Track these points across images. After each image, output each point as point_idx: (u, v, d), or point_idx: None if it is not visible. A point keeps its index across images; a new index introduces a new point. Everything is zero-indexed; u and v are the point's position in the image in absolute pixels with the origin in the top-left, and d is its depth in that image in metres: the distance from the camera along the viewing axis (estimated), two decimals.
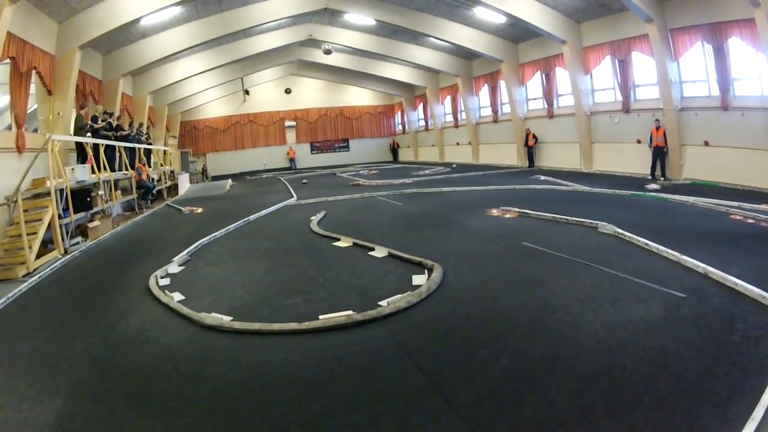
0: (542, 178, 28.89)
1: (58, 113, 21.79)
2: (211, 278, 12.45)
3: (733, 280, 9.14)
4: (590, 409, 5.78)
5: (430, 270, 11.30)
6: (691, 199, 18.30)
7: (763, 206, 16.17)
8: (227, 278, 12.35)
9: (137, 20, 25.01)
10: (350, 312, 9.07)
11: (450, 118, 50.88)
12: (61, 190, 16.86)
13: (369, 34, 42.02)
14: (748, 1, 19.75)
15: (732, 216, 15.58)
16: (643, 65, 28.08)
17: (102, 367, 7.73)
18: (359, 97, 64.07)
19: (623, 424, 5.46)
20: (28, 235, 14.46)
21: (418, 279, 10.86)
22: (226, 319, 9.15)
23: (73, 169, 18.91)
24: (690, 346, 7.04)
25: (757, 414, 5.27)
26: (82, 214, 18.63)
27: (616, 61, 29.08)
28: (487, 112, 44.26)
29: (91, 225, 19.15)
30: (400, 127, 65.12)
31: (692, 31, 23.93)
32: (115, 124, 25.51)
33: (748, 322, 7.68)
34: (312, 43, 43.96)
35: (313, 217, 19.31)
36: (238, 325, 8.88)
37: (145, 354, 8.15)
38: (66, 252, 16.26)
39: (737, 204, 16.55)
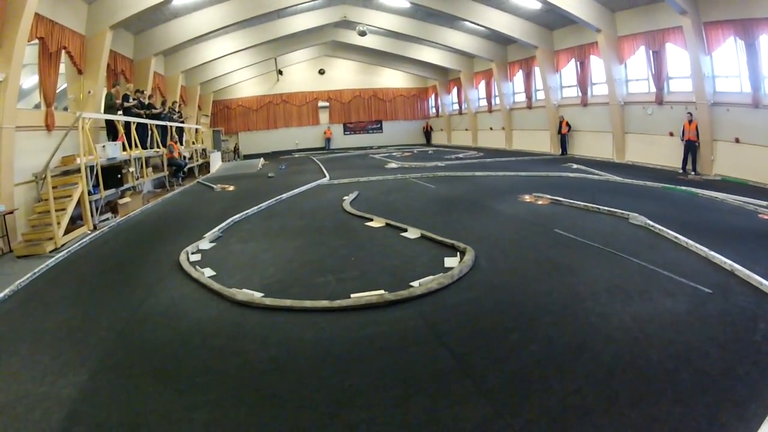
0: (575, 166, 28.78)
1: (89, 92, 21.91)
2: (242, 255, 12.57)
3: (758, 280, 9.09)
4: (615, 399, 5.80)
5: (463, 253, 11.35)
6: (720, 195, 18.12)
7: None
8: (259, 255, 12.47)
9: (168, 0, 25.06)
10: (382, 291, 9.14)
11: (484, 102, 50.39)
12: (92, 167, 16.99)
13: (404, 17, 41.70)
14: None
15: (760, 215, 15.42)
16: (677, 57, 27.75)
17: (129, 342, 7.82)
18: (393, 79, 63.73)
19: (647, 416, 5.48)
20: (56, 211, 14.59)
21: (451, 261, 10.94)
22: (257, 296, 9.24)
23: (104, 146, 19.06)
24: (714, 343, 7.04)
25: None
26: (112, 191, 18.79)
27: (650, 52, 28.75)
28: (521, 98, 43.79)
29: (121, 201, 19.31)
30: (434, 110, 64.53)
31: (725, 25, 23.62)
32: (146, 102, 25.62)
33: None
34: (346, 24, 43.77)
35: (345, 197, 19.38)
36: (269, 301, 8.97)
37: (173, 329, 8.25)
38: (95, 228, 16.41)
39: (766, 203, 16.37)
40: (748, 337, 7.23)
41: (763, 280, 8.98)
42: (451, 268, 10.33)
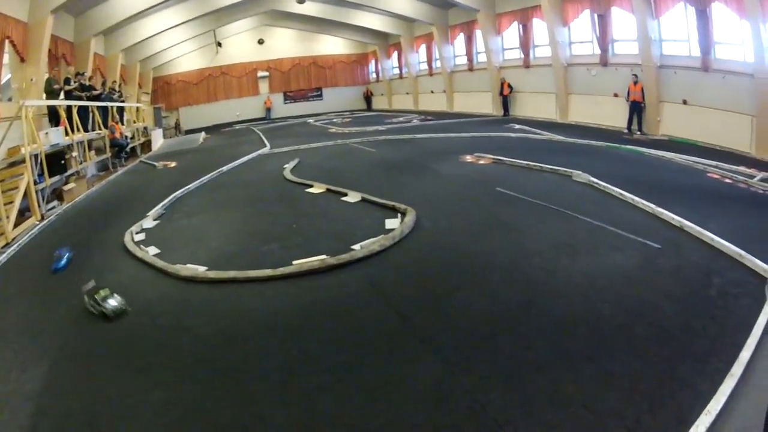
0: (517, 126, 29.01)
1: (31, 79, 21.52)
2: (187, 230, 12.57)
3: (709, 236, 9.24)
4: (568, 354, 5.92)
5: (404, 214, 11.48)
6: (668, 154, 18.33)
7: (742, 168, 16.20)
8: (202, 229, 12.51)
9: None
10: (324, 256, 9.20)
11: (424, 66, 50.62)
12: (36, 156, 16.64)
13: None
14: None
15: (709, 174, 15.63)
16: (624, 20, 27.80)
17: (84, 329, 7.74)
18: (333, 45, 63.50)
19: (602, 370, 5.58)
20: (5, 205, 14.24)
21: (392, 223, 11.07)
22: (200, 270, 9.24)
23: (47, 133, 18.64)
24: (668, 297, 7.15)
25: (736, 371, 5.34)
26: (57, 178, 18.34)
27: (596, 15, 28.86)
28: (462, 60, 44.05)
29: (66, 188, 18.90)
30: (374, 75, 64.67)
31: None
32: (87, 84, 25.24)
33: (725, 278, 7.77)
34: None
35: (286, 165, 19.37)
36: (212, 274, 8.98)
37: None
38: (43, 218, 15.94)
39: (715, 163, 16.54)
40: (702, 291, 7.38)
41: (716, 237, 9.12)
42: (392, 230, 10.43)
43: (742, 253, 8.40)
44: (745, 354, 5.63)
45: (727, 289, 7.41)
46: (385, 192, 13.73)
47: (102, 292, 8.16)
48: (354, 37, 59.31)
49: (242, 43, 59.84)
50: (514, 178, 14.91)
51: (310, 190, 15.21)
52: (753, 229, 10.31)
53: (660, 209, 10.82)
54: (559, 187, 13.63)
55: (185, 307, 8.02)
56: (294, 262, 9.06)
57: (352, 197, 13.57)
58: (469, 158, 18.31)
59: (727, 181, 14.76)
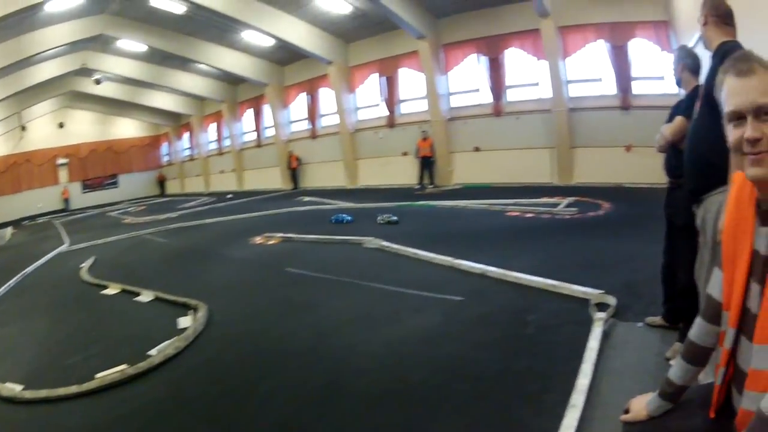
0: (306, 199, 29.50)
1: None
2: None
3: (514, 275, 9.48)
4: (384, 428, 5.81)
5: (195, 310, 11.19)
6: (461, 202, 19.11)
7: (545, 198, 16.88)
8: (15, 340, 11.76)
9: None
10: (124, 366, 8.81)
11: (215, 145, 51.28)
12: None
13: (140, 61, 40.83)
14: (532, 13, 21.19)
15: (509, 213, 16.31)
16: (411, 80, 29.13)
17: None
18: (128, 128, 61.93)
19: None
20: None
21: (185, 321, 10.80)
22: (17, 389, 8.64)
23: None
24: (479, 347, 7.22)
25: (577, 400, 5.30)
26: None
27: (383, 78, 30.06)
28: (251, 137, 44.96)
29: None
30: (167, 158, 64.15)
31: (466, 45, 25.30)
32: None
33: (541, 312, 7.99)
34: (85, 72, 41.70)
35: (83, 264, 18.53)
36: (28, 394, 8.40)
37: None
38: None
39: (513, 201, 17.33)
40: (518, 332, 7.49)
41: (521, 275, 9.39)
42: (185, 329, 10.20)
43: (555, 282, 8.70)
44: (583, 381, 5.65)
45: (544, 322, 7.61)
46: (177, 284, 13.54)
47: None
48: (148, 119, 58.70)
49: (45, 127, 56.70)
50: (305, 254, 15.04)
51: (105, 291, 14.59)
52: (564, 256, 10.94)
53: (458, 261, 11.07)
54: (351, 257, 13.83)
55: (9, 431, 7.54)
56: (96, 376, 8.61)
57: (145, 296, 13.14)
58: (258, 239, 18.28)
59: (529, 215, 15.51)
